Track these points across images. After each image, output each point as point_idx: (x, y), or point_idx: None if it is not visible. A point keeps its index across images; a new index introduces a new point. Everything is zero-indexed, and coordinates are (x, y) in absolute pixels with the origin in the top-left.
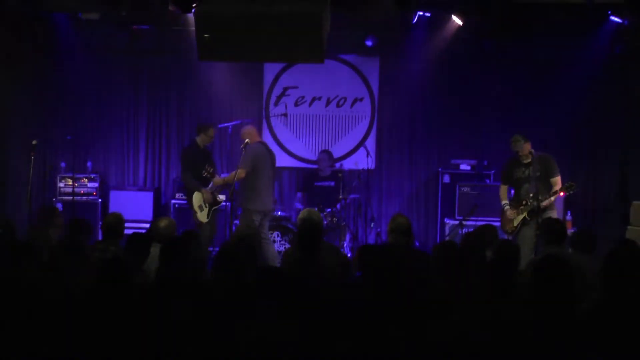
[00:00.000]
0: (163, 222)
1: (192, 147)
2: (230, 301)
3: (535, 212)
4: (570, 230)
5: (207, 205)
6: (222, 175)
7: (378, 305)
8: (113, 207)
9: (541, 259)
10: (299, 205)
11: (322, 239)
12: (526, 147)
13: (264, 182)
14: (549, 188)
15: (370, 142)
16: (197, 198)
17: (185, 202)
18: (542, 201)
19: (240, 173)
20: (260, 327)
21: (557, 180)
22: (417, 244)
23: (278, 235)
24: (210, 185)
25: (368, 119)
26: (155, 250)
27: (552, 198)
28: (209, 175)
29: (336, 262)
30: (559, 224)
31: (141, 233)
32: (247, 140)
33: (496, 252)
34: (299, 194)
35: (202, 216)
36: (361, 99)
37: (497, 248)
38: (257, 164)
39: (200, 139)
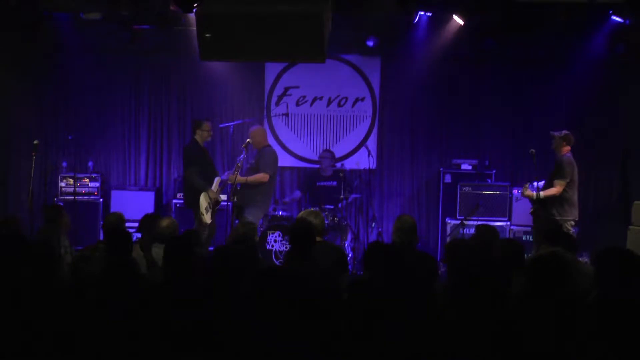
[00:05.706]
0: (165, 222)
1: (194, 144)
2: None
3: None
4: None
5: (211, 206)
6: (222, 177)
7: (384, 302)
8: (114, 207)
9: (532, 258)
10: (287, 199)
11: (314, 240)
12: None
13: (274, 186)
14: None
15: (372, 142)
16: (204, 199)
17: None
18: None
19: (265, 177)
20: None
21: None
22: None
23: (279, 235)
24: (214, 184)
25: (369, 119)
26: (158, 250)
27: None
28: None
29: (333, 260)
30: (554, 224)
31: (122, 230)
32: (248, 140)
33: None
34: (298, 192)
35: (208, 218)
36: (362, 99)
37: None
38: (275, 169)
39: (198, 136)
